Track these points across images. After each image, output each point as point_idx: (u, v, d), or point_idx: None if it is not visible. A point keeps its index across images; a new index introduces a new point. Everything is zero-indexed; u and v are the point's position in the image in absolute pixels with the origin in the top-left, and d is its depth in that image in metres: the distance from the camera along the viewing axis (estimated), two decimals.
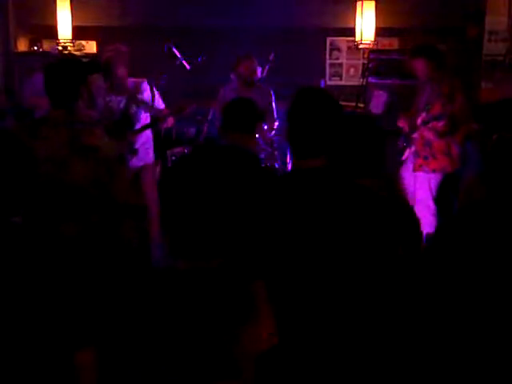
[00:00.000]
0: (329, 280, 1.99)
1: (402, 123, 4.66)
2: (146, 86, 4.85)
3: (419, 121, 4.53)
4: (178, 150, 5.35)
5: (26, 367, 1.68)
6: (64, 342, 1.71)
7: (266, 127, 5.40)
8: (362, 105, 6.10)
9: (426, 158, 4.53)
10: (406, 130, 4.63)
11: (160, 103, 4.93)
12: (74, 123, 2.77)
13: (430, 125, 4.43)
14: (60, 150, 2.69)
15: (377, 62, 6.25)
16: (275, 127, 5.47)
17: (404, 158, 4.73)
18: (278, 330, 2.01)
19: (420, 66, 4.56)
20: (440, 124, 4.36)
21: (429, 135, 4.49)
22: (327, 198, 2.02)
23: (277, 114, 5.52)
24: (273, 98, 5.51)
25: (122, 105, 4.74)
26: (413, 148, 4.62)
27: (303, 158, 2.07)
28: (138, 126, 4.67)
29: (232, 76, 5.46)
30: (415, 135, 4.57)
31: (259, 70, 5.72)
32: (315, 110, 2.05)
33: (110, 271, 2.72)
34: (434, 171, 4.53)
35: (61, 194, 2.66)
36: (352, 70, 7.20)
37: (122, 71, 4.66)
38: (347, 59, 7.20)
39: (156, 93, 4.88)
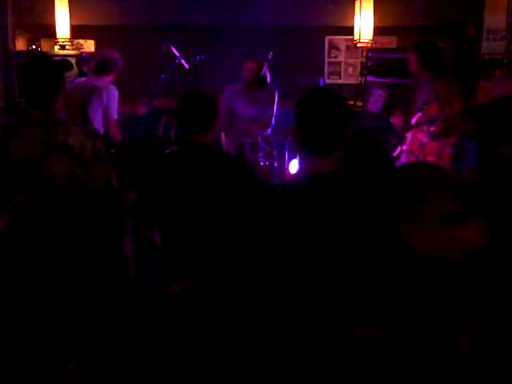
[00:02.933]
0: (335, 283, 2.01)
1: (395, 120, 4.67)
2: (115, 92, 4.90)
3: (414, 120, 4.54)
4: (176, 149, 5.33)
5: (11, 381, 1.66)
6: (48, 357, 1.69)
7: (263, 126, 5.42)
8: (360, 103, 6.10)
9: (417, 157, 4.56)
10: (399, 127, 4.64)
11: None
12: (50, 122, 2.71)
13: (423, 127, 4.45)
14: (36, 149, 2.65)
15: (375, 60, 6.25)
16: (271, 127, 5.47)
17: (395, 154, 4.75)
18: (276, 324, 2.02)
19: (410, 62, 4.58)
20: (432, 128, 4.39)
21: (421, 137, 4.50)
22: (344, 202, 2.03)
23: (276, 112, 5.52)
24: (276, 98, 5.50)
25: None
26: (405, 146, 4.64)
27: (319, 156, 2.08)
28: None
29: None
30: (408, 134, 4.58)
31: (266, 71, 5.72)
32: (330, 108, 2.07)
33: (93, 280, 2.68)
34: None
35: (37, 193, 2.62)
36: (350, 68, 7.20)
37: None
38: (346, 58, 7.21)
39: None
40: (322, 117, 2.06)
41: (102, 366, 2.66)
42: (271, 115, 5.48)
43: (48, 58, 3.02)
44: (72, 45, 6.54)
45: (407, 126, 4.60)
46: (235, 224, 2.67)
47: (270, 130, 5.46)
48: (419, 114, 4.50)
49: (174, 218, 2.84)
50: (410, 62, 4.58)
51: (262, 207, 2.13)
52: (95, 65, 4.72)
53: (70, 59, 6.13)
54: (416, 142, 4.56)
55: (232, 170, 2.92)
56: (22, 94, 2.79)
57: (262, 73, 5.61)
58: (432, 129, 4.43)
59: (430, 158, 4.50)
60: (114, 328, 2.85)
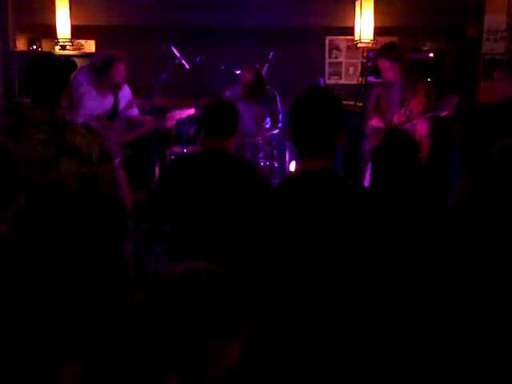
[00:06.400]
0: (331, 287, 1.99)
1: (377, 122, 4.69)
2: (127, 89, 4.83)
3: (396, 118, 4.59)
4: (176, 149, 5.34)
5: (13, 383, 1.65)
6: (50, 358, 1.68)
7: (267, 127, 5.41)
8: (360, 104, 6.10)
9: None
10: (383, 129, 4.67)
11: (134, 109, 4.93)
12: (56, 123, 2.68)
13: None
14: (43, 149, 2.63)
15: (376, 61, 6.25)
16: (277, 130, 5.47)
17: None
18: (273, 331, 2.01)
19: (385, 67, 4.64)
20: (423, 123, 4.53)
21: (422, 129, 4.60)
22: (335, 202, 2.01)
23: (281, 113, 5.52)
24: (278, 101, 5.49)
25: (111, 105, 4.68)
26: None
27: (311, 158, 2.05)
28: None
29: None
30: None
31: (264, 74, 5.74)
32: (322, 109, 2.03)
33: (97, 282, 2.67)
34: None
35: (45, 195, 2.61)
36: (351, 68, 7.20)
37: (123, 74, 4.65)
38: (346, 58, 7.21)
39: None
40: (314, 118, 2.02)
41: (105, 366, 2.66)
42: (275, 118, 5.47)
43: (53, 57, 2.97)
44: (72, 45, 6.54)
45: (390, 126, 4.63)
46: (239, 222, 2.68)
47: (277, 131, 5.46)
48: (401, 112, 4.57)
49: (186, 213, 2.99)
50: (382, 66, 4.68)
51: (259, 207, 2.13)
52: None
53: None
54: None
55: (240, 174, 3.01)
56: (28, 93, 2.76)
57: (262, 75, 5.62)
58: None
59: None
60: (115, 328, 2.85)
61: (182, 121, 5.34)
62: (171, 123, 4.85)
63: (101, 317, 2.59)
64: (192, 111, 4.90)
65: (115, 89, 4.64)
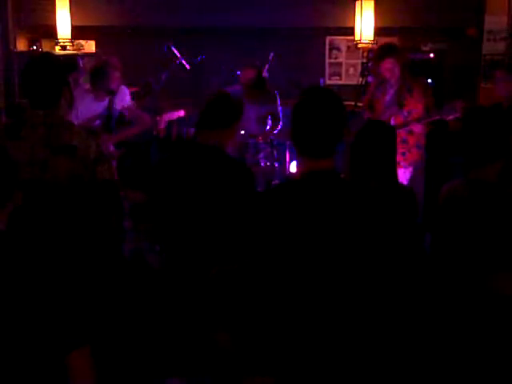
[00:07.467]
0: (337, 290, 1.99)
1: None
2: (126, 93, 4.81)
3: (394, 121, 4.58)
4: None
5: (20, 370, 1.66)
6: (58, 344, 1.69)
7: (268, 127, 5.41)
8: (360, 104, 6.10)
9: (403, 154, 4.65)
10: None
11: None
12: (53, 123, 2.68)
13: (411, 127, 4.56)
14: (39, 150, 2.63)
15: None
16: (278, 129, 5.47)
17: None
18: (282, 336, 2.00)
19: (388, 66, 4.62)
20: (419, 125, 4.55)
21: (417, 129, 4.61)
22: (339, 203, 2.00)
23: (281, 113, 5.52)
24: (278, 101, 5.50)
25: (104, 108, 4.67)
26: None
27: (313, 158, 2.04)
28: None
29: None
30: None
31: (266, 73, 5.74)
32: (325, 108, 2.03)
33: (101, 269, 2.69)
34: (409, 165, 4.68)
35: (43, 194, 2.61)
36: (351, 69, 7.20)
37: (117, 81, 4.64)
38: (346, 58, 7.21)
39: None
40: (317, 118, 2.01)
41: (113, 351, 2.68)
42: (275, 118, 5.47)
43: (51, 57, 2.96)
44: (73, 45, 6.54)
45: None
46: (229, 222, 2.68)
47: (276, 131, 5.47)
48: (399, 114, 4.57)
49: (176, 212, 2.93)
50: (387, 67, 4.61)
51: (256, 211, 2.11)
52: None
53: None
54: (399, 139, 4.62)
55: (232, 172, 2.93)
56: (25, 94, 2.76)
57: (262, 75, 5.62)
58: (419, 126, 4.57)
59: (414, 151, 4.67)
60: (118, 317, 2.87)
61: (182, 121, 5.35)
62: (161, 126, 4.84)
63: (99, 307, 2.61)
64: (182, 113, 4.90)
65: (110, 94, 4.62)
